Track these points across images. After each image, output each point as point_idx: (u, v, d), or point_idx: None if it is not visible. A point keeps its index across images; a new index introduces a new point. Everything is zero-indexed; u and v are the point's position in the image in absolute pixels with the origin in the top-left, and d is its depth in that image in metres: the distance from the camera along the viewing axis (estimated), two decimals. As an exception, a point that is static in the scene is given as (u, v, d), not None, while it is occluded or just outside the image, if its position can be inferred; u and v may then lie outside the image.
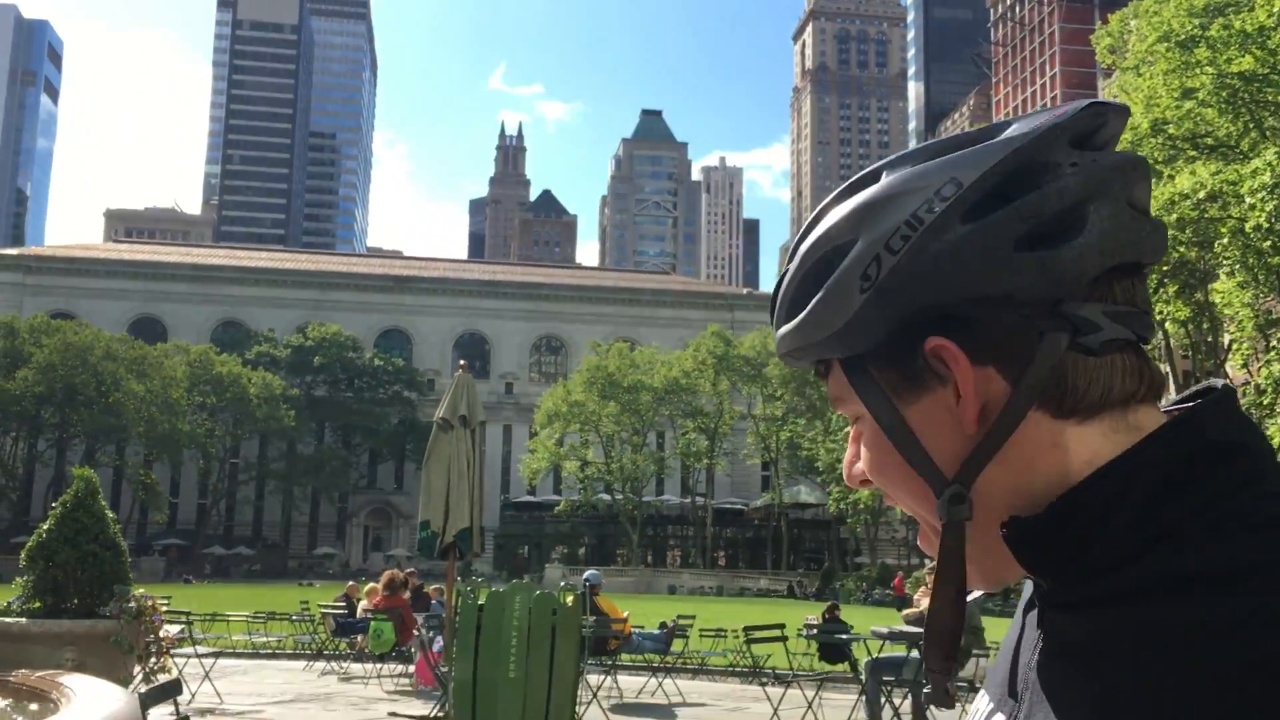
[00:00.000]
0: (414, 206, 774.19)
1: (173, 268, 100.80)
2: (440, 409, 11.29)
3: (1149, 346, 0.82)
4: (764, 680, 12.10)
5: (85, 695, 6.12)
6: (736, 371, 73.20)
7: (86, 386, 70.63)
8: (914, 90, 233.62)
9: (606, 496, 77.57)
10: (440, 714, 9.69)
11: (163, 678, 8.59)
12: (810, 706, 9.89)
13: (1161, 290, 30.67)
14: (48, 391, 70.66)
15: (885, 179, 0.80)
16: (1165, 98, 26.57)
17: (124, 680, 7.95)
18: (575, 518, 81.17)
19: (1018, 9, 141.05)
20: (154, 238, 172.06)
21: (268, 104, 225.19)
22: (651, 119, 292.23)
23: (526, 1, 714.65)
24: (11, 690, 7.07)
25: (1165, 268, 29.13)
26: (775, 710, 9.71)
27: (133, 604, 8.33)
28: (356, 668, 15.08)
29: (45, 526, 8.54)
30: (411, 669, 14.12)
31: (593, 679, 11.55)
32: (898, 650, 10.54)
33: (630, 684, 13.67)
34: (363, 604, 16.00)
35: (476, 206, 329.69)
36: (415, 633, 13.58)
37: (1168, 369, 37.24)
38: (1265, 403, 27.03)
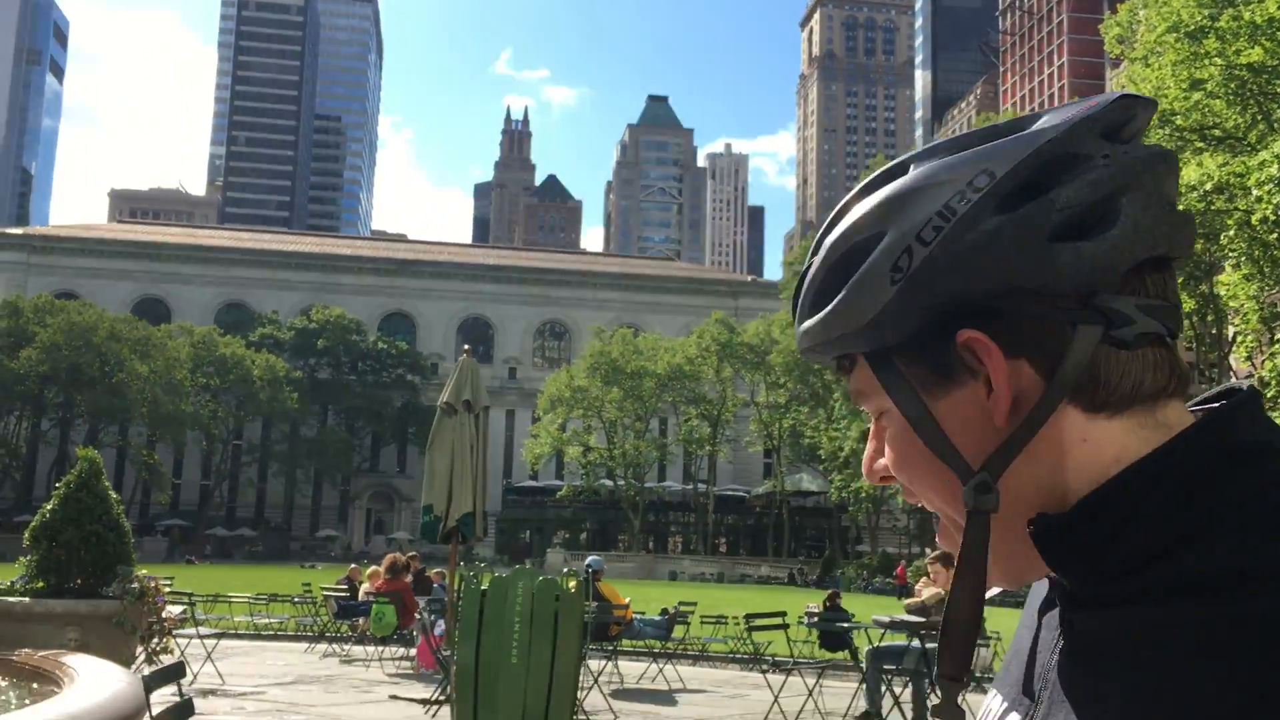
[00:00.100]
0: (419, 190, 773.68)
1: (177, 249, 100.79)
2: (444, 394, 11.29)
3: None
4: (764, 667, 12.12)
5: (88, 675, 6.13)
6: (740, 358, 73.20)
7: (90, 367, 70.75)
8: (921, 79, 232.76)
9: (609, 482, 77.69)
10: (441, 697, 9.72)
11: (165, 658, 8.62)
12: (810, 694, 9.91)
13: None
14: (52, 371, 70.79)
15: (914, 171, 0.79)
16: (1174, 89, 26.45)
17: (126, 660, 7.97)
18: (577, 503, 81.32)
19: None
20: (158, 219, 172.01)
21: (273, 85, 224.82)
22: (657, 105, 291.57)
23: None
24: (15, 669, 7.10)
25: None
26: (775, 697, 9.73)
27: (135, 585, 8.35)
28: (358, 650, 15.12)
29: (49, 506, 8.57)
30: (413, 652, 14.16)
31: (594, 664, 11.58)
32: (898, 639, 10.55)
33: (631, 669, 13.71)
34: (365, 587, 16.04)
35: (481, 191, 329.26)
36: (417, 616, 13.61)
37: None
38: (1270, 396, 26.99)
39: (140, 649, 8.55)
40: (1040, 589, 0.86)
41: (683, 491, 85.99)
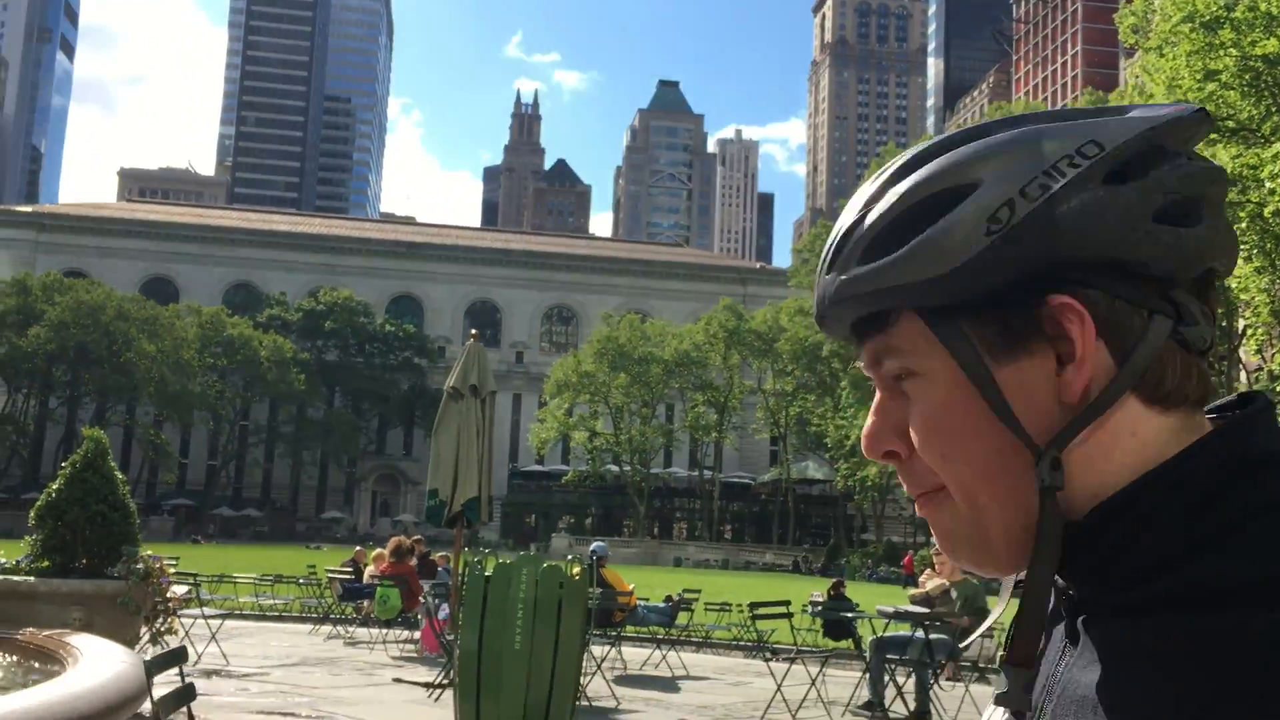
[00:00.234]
0: (428, 173, 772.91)
1: (185, 229, 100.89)
2: (451, 378, 11.27)
3: None
4: (768, 655, 12.13)
5: (92, 655, 6.14)
6: (747, 346, 73.13)
7: (98, 345, 70.94)
8: (934, 66, 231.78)
9: (614, 467, 77.79)
10: (445, 681, 9.74)
11: (170, 639, 8.63)
12: (813, 683, 9.90)
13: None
14: (59, 349, 71.00)
15: (1006, 132, 0.77)
16: (1188, 79, 26.27)
17: (131, 640, 7.99)
18: (583, 488, 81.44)
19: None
20: (167, 198, 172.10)
21: (283, 66, 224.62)
22: (668, 90, 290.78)
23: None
24: (20, 648, 7.11)
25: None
26: (778, 686, 9.73)
27: (140, 565, 8.36)
28: (362, 633, 15.16)
29: (54, 486, 8.57)
30: (417, 635, 14.18)
31: (597, 650, 11.58)
32: (902, 629, 10.55)
33: (635, 656, 13.72)
34: (369, 570, 16.07)
35: (490, 174, 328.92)
36: (421, 600, 13.63)
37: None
38: (1279, 389, 26.90)
39: (145, 629, 8.56)
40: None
41: (688, 478, 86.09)
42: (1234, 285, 27.60)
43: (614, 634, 13.11)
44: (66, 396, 78.99)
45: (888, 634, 10.72)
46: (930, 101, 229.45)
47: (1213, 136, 27.36)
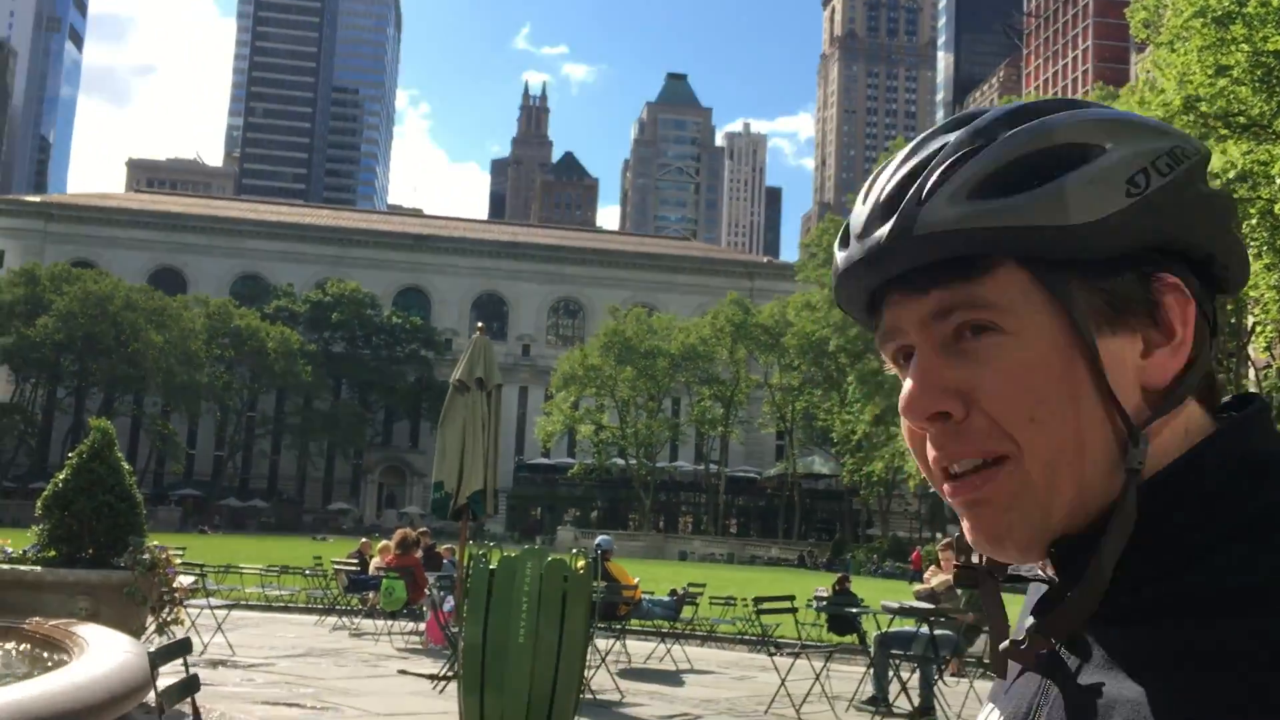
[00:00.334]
0: (435, 165, 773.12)
1: (194, 219, 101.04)
2: (456, 370, 11.27)
3: None
4: (772, 650, 12.12)
5: (97, 645, 6.15)
6: (754, 340, 73.09)
7: (106, 336, 71.10)
8: (943, 60, 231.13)
9: (620, 461, 77.83)
10: (449, 673, 9.76)
11: (176, 629, 8.66)
12: (818, 677, 9.90)
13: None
14: (68, 339, 71.19)
15: (1113, 110, 0.77)
16: (1199, 74, 26.13)
17: (137, 630, 8.01)
18: (589, 481, 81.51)
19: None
20: (175, 189, 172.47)
21: (291, 57, 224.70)
22: (676, 83, 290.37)
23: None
24: (26, 638, 7.14)
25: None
26: (783, 680, 9.73)
27: (146, 555, 8.38)
28: (367, 624, 15.19)
29: (61, 476, 8.59)
30: (422, 627, 14.21)
31: (602, 644, 11.59)
32: (907, 625, 10.54)
33: (639, 649, 13.73)
34: (375, 561, 16.09)
35: (498, 167, 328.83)
36: (426, 592, 13.65)
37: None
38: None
39: (151, 619, 8.59)
40: (1033, 599, 0.84)
41: (694, 472, 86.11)
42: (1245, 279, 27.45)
43: (619, 627, 13.11)
44: (74, 386, 79.21)
45: (892, 629, 10.71)
46: (940, 96, 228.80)
47: (1223, 132, 27.30)
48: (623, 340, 73.79)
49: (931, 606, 10.28)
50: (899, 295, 0.77)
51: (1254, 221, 25.78)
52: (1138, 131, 0.74)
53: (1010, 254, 0.73)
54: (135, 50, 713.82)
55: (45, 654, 6.74)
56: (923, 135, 0.80)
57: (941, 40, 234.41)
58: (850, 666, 12.67)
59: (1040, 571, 0.80)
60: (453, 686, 8.84)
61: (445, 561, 16.51)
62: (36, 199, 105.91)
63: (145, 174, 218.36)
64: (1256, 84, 26.73)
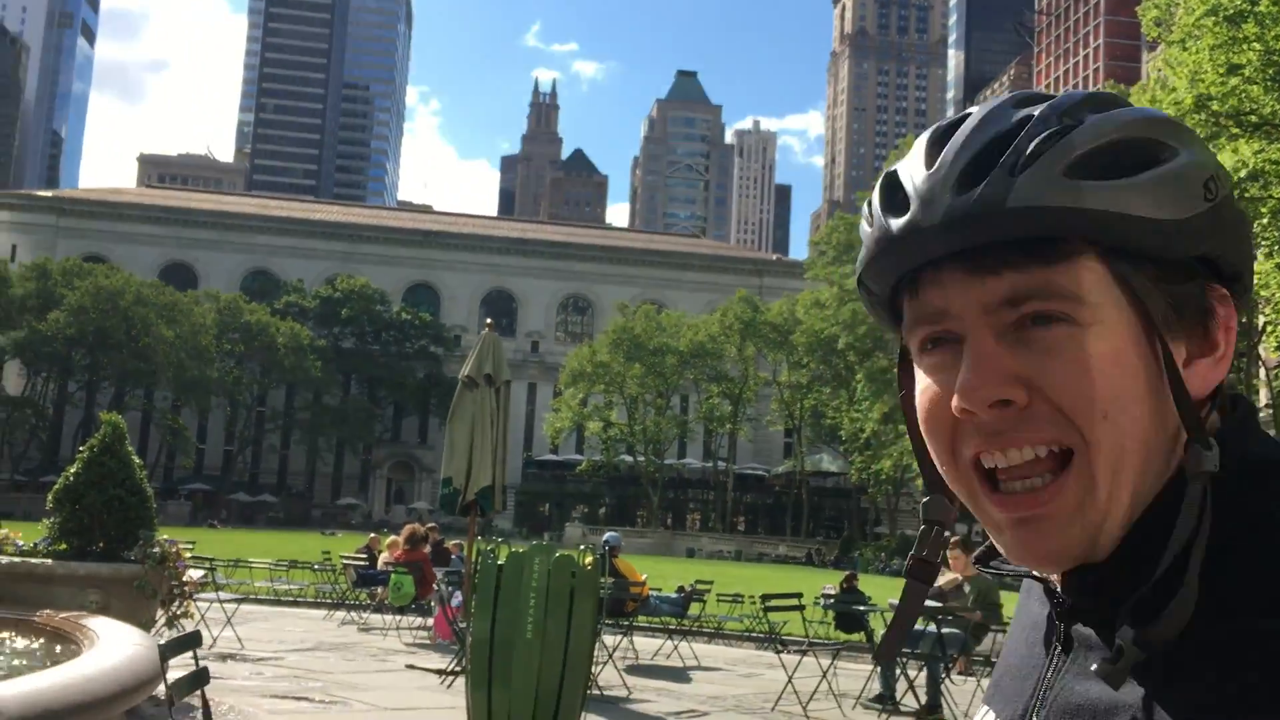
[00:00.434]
0: (445, 162, 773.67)
1: (204, 215, 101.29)
2: (465, 367, 11.30)
3: None
4: (779, 647, 12.13)
5: (108, 638, 6.19)
6: (763, 337, 73.04)
7: (117, 330, 71.36)
8: (954, 58, 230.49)
9: (628, 458, 77.86)
10: (457, 668, 9.79)
11: (185, 622, 8.70)
12: (825, 675, 9.90)
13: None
14: (79, 334, 71.47)
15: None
16: (1210, 73, 26.03)
17: (147, 624, 8.06)
18: (597, 478, 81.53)
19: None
20: (186, 185, 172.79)
21: (302, 53, 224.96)
22: (686, 80, 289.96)
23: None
24: (37, 630, 7.18)
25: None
26: (790, 677, 9.74)
27: (157, 549, 8.42)
28: (376, 619, 15.23)
29: (72, 470, 8.63)
30: (430, 623, 14.24)
31: (609, 640, 11.61)
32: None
33: (646, 646, 13.75)
34: (384, 556, 16.14)
35: (507, 163, 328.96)
36: (435, 587, 13.68)
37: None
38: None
39: (161, 612, 8.63)
40: (1029, 599, 0.83)
41: (702, 469, 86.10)
42: (1255, 281, 27.42)
43: (626, 624, 13.14)
44: (85, 381, 79.51)
45: (900, 627, 10.69)
46: (950, 94, 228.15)
47: (1234, 131, 27.20)
48: (631, 337, 73.79)
49: (939, 605, 10.28)
50: (959, 274, 0.73)
51: (1265, 221, 25.69)
52: (1196, 139, 0.73)
53: (1095, 240, 0.71)
54: (147, 46, 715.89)
55: (56, 646, 6.78)
56: (986, 107, 0.76)
57: (952, 38, 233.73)
58: (857, 664, 12.67)
59: (1035, 571, 0.79)
60: (460, 681, 8.87)
61: (453, 557, 16.56)
62: (48, 194, 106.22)
63: (156, 169, 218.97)
64: (1268, 83, 26.61)
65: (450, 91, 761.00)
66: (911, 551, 0.83)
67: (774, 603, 11.50)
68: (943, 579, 11.41)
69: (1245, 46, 25.83)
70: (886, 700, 9.91)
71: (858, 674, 11.45)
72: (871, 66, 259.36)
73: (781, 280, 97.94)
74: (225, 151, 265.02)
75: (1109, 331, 0.71)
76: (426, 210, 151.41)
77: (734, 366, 74.91)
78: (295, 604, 17.86)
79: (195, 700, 5.34)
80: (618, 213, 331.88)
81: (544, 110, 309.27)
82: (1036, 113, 0.73)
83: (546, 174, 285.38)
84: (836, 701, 9.77)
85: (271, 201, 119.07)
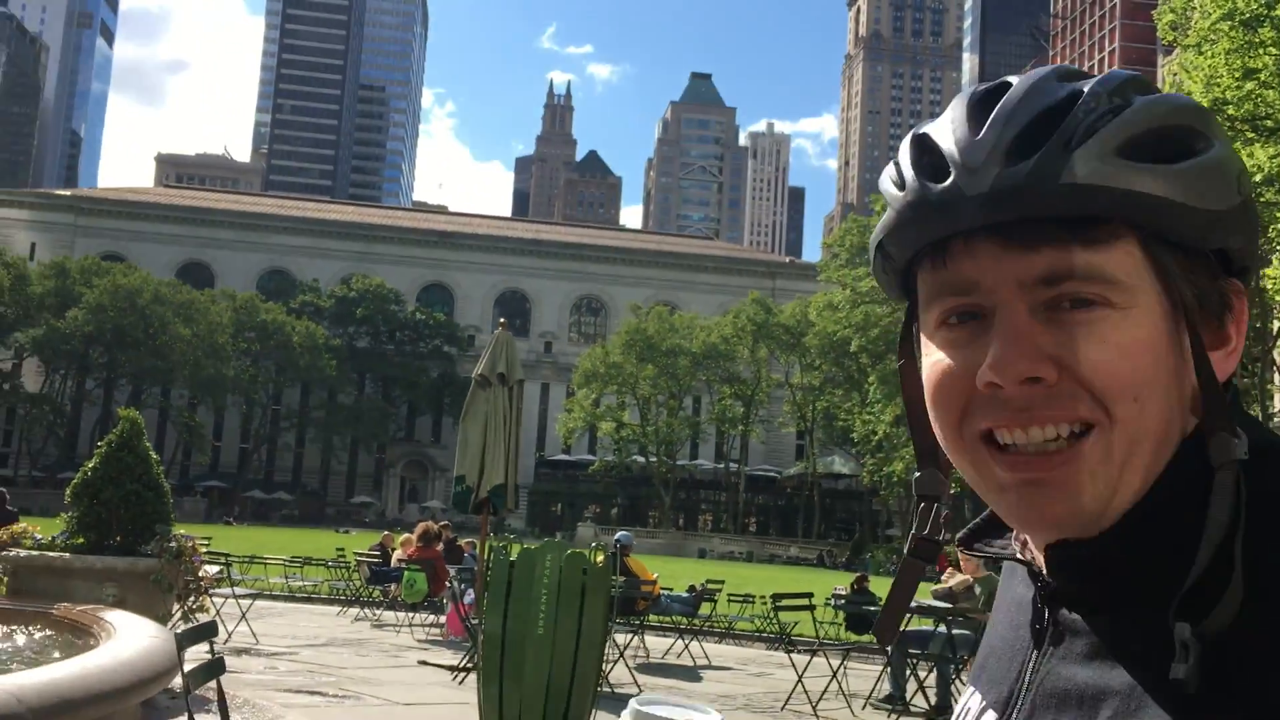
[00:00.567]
0: (460, 163, 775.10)
1: (221, 215, 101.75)
2: (479, 366, 11.36)
3: None
4: (790, 647, 12.17)
5: (124, 630, 6.27)
6: (775, 339, 72.99)
7: (134, 329, 71.77)
8: (968, 61, 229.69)
9: (641, 458, 77.89)
10: (469, 665, 9.85)
11: (201, 617, 8.78)
12: (835, 675, 9.93)
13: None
14: (97, 332, 71.91)
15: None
16: (1226, 78, 25.92)
17: (163, 618, 8.13)
18: (609, 478, 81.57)
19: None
20: (204, 184, 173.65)
21: (319, 55, 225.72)
22: (700, 82, 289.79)
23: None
24: (55, 623, 7.27)
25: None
26: (800, 677, 9.77)
27: (173, 543, 8.50)
28: (389, 615, 15.32)
29: (90, 464, 8.70)
30: (442, 619, 14.32)
31: (620, 638, 11.66)
32: (925, 624, 10.55)
33: (657, 645, 13.79)
34: (397, 554, 16.23)
35: (522, 164, 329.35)
36: (447, 584, 13.75)
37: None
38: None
39: (177, 606, 8.72)
40: (1013, 581, 0.83)
41: (714, 470, 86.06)
42: (1269, 286, 27.28)
43: (637, 622, 13.18)
44: (103, 378, 79.98)
45: (910, 628, 10.73)
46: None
47: (1249, 135, 27.09)
48: (644, 338, 73.83)
49: (949, 606, 10.30)
50: (994, 247, 0.71)
51: (1281, 225, 25.57)
52: (1225, 133, 0.73)
53: (1137, 225, 0.70)
54: (166, 47, 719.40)
55: (73, 639, 6.87)
56: (1029, 77, 0.74)
57: (967, 41, 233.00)
58: (867, 665, 12.69)
59: (1019, 554, 0.79)
60: (472, 677, 8.94)
61: (466, 555, 16.65)
62: (67, 193, 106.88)
63: (174, 169, 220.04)
64: (1285, 87, 26.48)
65: (465, 94, 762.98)
66: (913, 530, 0.82)
67: (785, 603, 11.53)
68: (953, 580, 11.42)
69: (1261, 51, 25.72)
70: (896, 701, 9.93)
71: (868, 674, 11.48)
72: (886, 70, 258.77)
73: (794, 282, 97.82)
74: (242, 152, 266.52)
75: (1144, 317, 0.70)
76: (441, 211, 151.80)
77: (746, 368, 74.87)
78: (309, 600, 17.97)
79: (211, 694, 5.42)
80: (631, 214, 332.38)
81: (559, 112, 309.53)
82: (1086, 89, 0.72)
83: (561, 175, 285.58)
84: (846, 701, 9.79)
85: (288, 201, 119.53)
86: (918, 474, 0.82)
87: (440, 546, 15.40)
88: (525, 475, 75.71)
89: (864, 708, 10.02)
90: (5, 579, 8.41)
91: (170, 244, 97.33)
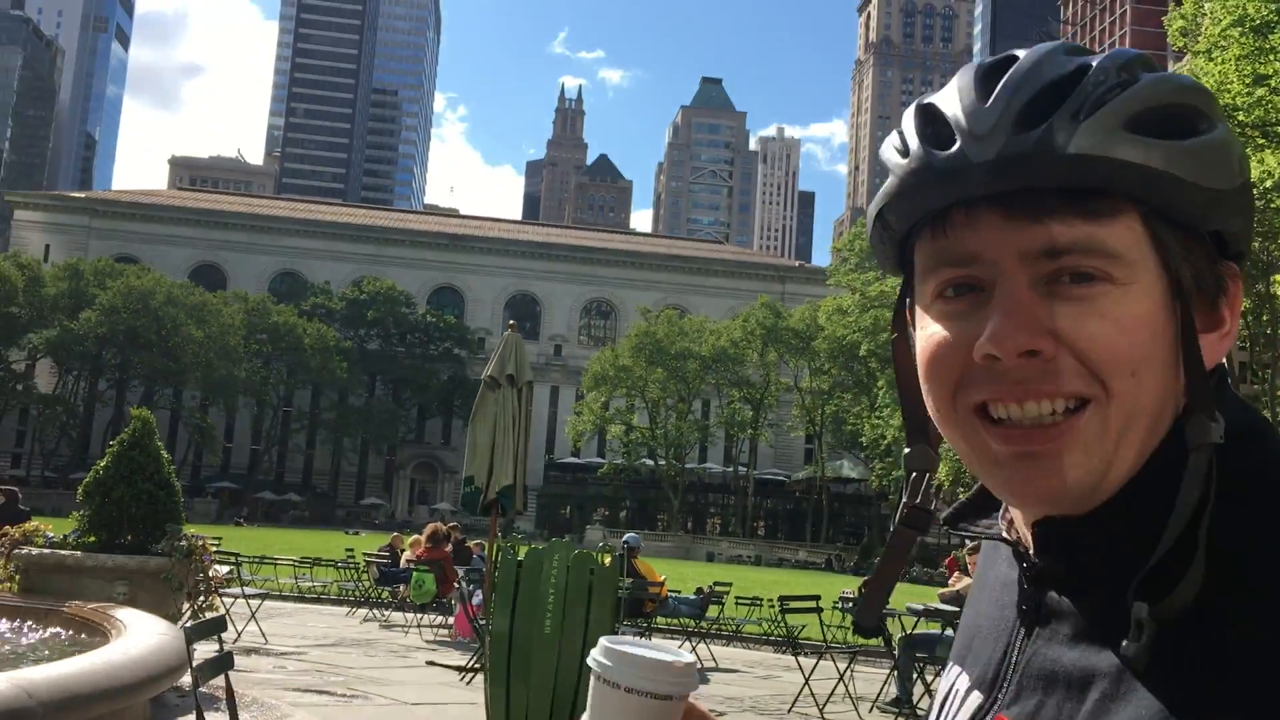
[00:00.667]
0: (471, 167, 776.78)
1: (234, 217, 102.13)
2: (488, 367, 11.41)
3: None
4: (797, 650, 12.19)
5: (135, 628, 6.33)
6: (785, 343, 72.95)
7: (147, 330, 72.09)
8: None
9: (649, 461, 77.92)
10: (476, 665, 9.89)
11: (210, 616, 8.85)
12: (841, 678, 9.95)
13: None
14: (110, 333, 72.25)
15: None
16: (1236, 84, 25.86)
17: (173, 616, 8.19)
18: (618, 481, 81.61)
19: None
20: (217, 187, 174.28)
21: (332, 59, 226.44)
22: (711, 87, 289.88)
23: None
24: (66, 620, 7.34)
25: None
26: (807, 680, 9.78)
27: (184, 543, 8.56)
28: (397, 616, 15.38)
29: (102, 464, 8.77)
30: (451, 620, 14.36)
31: (627, 640, 11.67)
32: (932, 628, 10.57)
33: (664, 647, 13.80)
34: (406, 555, 16.29)
35: (533, 168, 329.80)
36: (456, 585, 13.80)
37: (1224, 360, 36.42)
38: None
39: (186, 605, 8.77)
40: (996, 560, 0.82)
41: (723, 473, 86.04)
42: (1280, 293, 27.21)
43: (644, 624, 13.22)
44: (115, 379, 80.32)
45: (917, 632, 10.74)
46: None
47: (1260, 141, 27.03)
48: (654, 342, 73.87)
49: (956, 609, 10.31)
50: (996, 217, 0.71)
51: (1293, 230, 25.49)
52: (1225, 118, 0.73)
53: (1140, 200, 0.70)
54: (181, 52, 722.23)
55: (84, 636, 6.93)
56: (1035, 51, 0.74)
57: (977, 48, 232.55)
58: (874, 668, 12.70)
59: (1005, 533, 0.79)
60: (480, 678, 8.98)
61: (474, 556, 16.69)
62: (81, 195, 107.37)
63: (187, 172, 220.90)
64: (1296, 93, 26.41)
65: (477, 98, 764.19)
66: (904, 500, 0.82)
67: (792, 606, 11.55)
68: (960, 584, 11.43)
69: (1272, 57, 25.66)
70: (903, 704, 9.94)
71: (875, 678, 11.48)
72: (896, 75, 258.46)
73: (804, 286, 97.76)
74: (256, 155, 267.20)
75: (1144, 293, 0.70)
76: (452, 214, 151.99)
77: (755, 372, 74.85)
78: (318, 600, 18.04)
79: (220, 692, 5.47)
80: (642, 218, 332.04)
81: (569, 116, 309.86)
82: (1094, 63, 0.72)
83: (571, 179, 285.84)
84: (853, 704, 9.81)
85: (300, 204, 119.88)
86: (908, 450, 0.82)
87: (449, 547, 15.46)
88: (534, 478, 75.84)
89: (871, 711, 10.03)
90: (17, 577, 8.48)
91: (183, 246, 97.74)
